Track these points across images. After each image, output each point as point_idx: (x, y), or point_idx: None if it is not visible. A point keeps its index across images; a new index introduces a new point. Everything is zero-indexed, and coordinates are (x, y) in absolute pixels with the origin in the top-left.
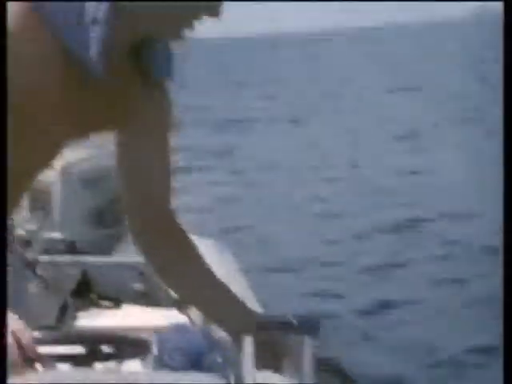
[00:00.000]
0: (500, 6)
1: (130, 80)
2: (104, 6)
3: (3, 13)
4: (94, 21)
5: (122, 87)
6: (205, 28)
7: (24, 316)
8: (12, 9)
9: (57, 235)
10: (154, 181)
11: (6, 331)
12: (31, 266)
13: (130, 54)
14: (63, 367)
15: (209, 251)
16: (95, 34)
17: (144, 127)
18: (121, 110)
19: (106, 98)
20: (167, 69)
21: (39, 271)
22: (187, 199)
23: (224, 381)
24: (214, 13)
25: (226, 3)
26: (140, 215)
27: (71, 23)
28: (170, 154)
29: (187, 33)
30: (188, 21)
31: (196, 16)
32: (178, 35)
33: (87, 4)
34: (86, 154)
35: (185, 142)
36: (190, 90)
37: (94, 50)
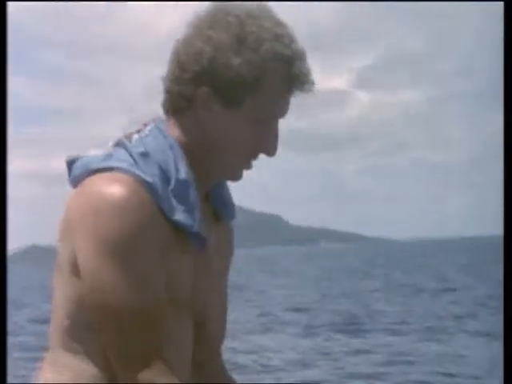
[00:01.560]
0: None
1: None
2: (182, 176)
3: (3, 13)
4: (188, 200)
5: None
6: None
7: None
8: (133, 205)
9: None
10: (216, 316)
11: (6, 330)
12: None
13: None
14: None
15: None
16: (195, 215)
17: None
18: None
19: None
20: (230, 209)
21: None
22: None
23: None
24: (271, 153)
25: None
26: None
27: (175, 205)
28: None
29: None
30: (247, 164)
31: (253, 157)
32: (236, 178)
33: (178, 186)
34: None
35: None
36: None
37: (197, 225)
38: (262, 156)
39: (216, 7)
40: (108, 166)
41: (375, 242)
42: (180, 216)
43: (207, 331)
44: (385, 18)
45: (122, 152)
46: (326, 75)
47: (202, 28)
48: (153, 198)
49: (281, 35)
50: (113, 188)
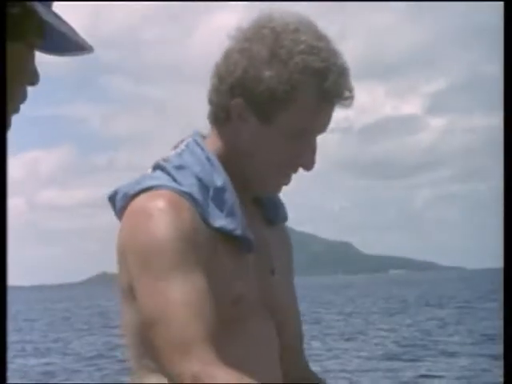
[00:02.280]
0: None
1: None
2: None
3: (3, 13)
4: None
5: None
6: None
7: None
8: (176, 217)
9: None
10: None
11: (6, 331)
12: None
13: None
14: None
15: None
16: (237, 219)
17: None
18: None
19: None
20: (282, 212)
21: None
22: None
23: None
24: (309, 167)
25: None
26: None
27: (216, 212)
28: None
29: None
30: (285, 178)
31: (291, 171)
32: (273, 191)
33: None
34: None
35: None
36: None
37: (240, 229)
38: (335, 183)
39: (255, 20)
40: (145, 187)
41: (449, 270)
42: (222, 222)
43: (285, 331)
44: (458, 40)
45: (158, 172)
46: (399, 100)
47: (239, 40)
48: (194, 208)
49: (317, 48)
50: (153, 204)
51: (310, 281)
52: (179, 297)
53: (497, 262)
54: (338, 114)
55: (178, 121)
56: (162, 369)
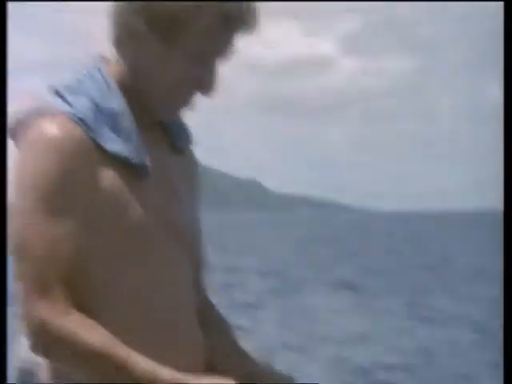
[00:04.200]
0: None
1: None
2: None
3: (3, 13)
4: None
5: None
6: None
7: None
8: (61, 142)
9: None
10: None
11: (6, 331)
12: None
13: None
14: None
15: None
16: (132, 143)
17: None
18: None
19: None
20: (186, 135)
21: None
22: None
23: None
24: (207, 92)
25: None
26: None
27: (110, 136)
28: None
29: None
30: (183, 102)
31: (189, 95)
32: (171, 116)
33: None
34: None
35: None
36: None
37: (135, 153)
38: (246, 120)
39: None
40: (40, 113)
41: (358, 211)
42: (117, 147)
43: (189, 254)
44: None
45: (55, 97)
46: (313, 39)
47: None
48: (86, 134)
49: None
50: (45, 133)
51: (217, 218)
52: (44, 234)
53: (404, 203)
54: (251, 51)
55: None
56: (19, 299)
